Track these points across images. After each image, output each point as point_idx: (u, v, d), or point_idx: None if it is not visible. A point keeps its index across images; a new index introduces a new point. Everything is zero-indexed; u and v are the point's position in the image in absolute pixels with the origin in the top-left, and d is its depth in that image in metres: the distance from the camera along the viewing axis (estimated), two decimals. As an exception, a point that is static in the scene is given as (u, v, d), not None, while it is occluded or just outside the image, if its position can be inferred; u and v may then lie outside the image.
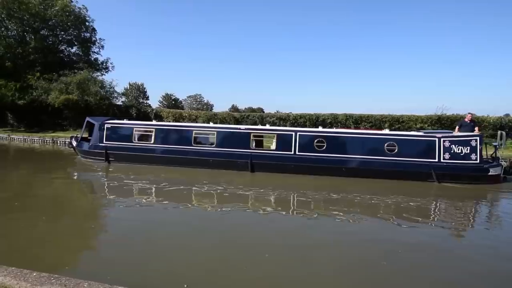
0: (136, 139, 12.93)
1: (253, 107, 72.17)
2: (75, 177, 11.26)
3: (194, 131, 12.45)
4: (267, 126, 13.11)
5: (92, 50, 32.58)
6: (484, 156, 11.70)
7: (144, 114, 27.84)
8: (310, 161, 11.33)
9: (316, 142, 11.45)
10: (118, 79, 62.52)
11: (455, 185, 10.33)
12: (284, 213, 7.30)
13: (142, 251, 5.04)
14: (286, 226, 6.53)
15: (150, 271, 4.44)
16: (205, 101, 76.37)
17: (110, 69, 33.46)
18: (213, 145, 12.17)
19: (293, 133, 11.66)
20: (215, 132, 12.23)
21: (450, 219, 7.16)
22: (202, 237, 5.72)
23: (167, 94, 67.55)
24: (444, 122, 19.97)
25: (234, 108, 69.27)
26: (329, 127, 21.11)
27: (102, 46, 32.94)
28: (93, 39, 32.05)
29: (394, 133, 11.50)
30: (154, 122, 13.55)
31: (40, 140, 22.72)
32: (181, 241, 5.50)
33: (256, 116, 24.85)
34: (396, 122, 20.99)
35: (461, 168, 10.47)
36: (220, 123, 23.61)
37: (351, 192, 9.29)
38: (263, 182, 10.40)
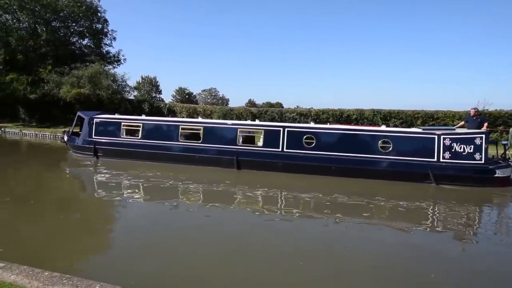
0: (124, 134, 13.44)
1: (272, 102, 72.00)
2: (66, 174, 11.71)
3: (180, 126, 12.78)
4: (256, 122, 13.26)
5: (104, 42, 33.50)
6: (496, 157, 11.25)
7: (157, 109, 28.33)
8: (298, 159, 11.35)
9: (305, 139, 11.46)
10: (130, 72, 63.91)
11: (454, 187, 10.00)
12: (260, 217, 7.28)
13: (154, 252, 5.14)
14: (269, 228, 6.56)
15: (163, 273, 4.50)
16: (220, 96, 76.91)
17: (122, 62, 34.30)
18: (200, 141, 12.44)
19: (281, 129, 11.75)
20: (202, 127, 12.50)
21: (447, 226, 6.93)
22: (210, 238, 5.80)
23: (180, 88, 68.47)
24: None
25: (251, 103, 69.32)
26: (355, 124, 20.75)
27: (114, 38, 33.82)
28: (105, 30, 32.92)
29: (389, 129, 11.33)
30: (141, 117, 13.98)
31: (51, 136, 23.59)
32: (187, 241, 5.59)
33: (275, 111, 24.74)
34: (430, 118, 20.35)
35: (463, 169, 10.09)
36: (237, 118, 23.68)
37: (327, 193, 9.19)
38: (246, 181, 10.49)
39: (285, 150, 11.56)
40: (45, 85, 26.78)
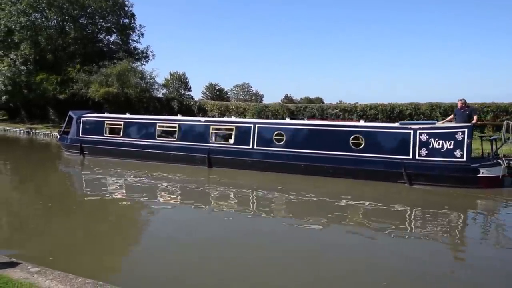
0: (107, 132, 14.85)
1: (311, 97, 71.32)
2: (55, 174, 13.32)
3: (157, 124, 13.94)
4: (232, 118, 13.96)
5: (132, 38, 35.15)
6: (491, 154, 10.81)
7: (186, 107, 29.10)
8: (267, 157, 11.90)
9: (275, 135, 11.94)
10: (158, 69, 66.40)
11: (431, 188, 9.88)
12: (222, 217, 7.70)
13: (183, 261, 5.36)
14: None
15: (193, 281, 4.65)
16: (254, 91, 77.49)
17: (151, 58, 35.73)
18: (175, 139, 13.45)
19: (252, 125, 12.41)
20: (177, 125, 13.53)
21: (418, 232, 6.96)
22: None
23: (211, 84, 69.94)
24: None
25: (288, 99, 69.11)
26: (409, 119, 20.00)
27: (142, 34, 35.33)
28: (132, 25, 34.53)
29: (362, 124, 11.51)
30: (123, 115, 15.35)
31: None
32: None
33: (315, 107, 24.47)
34: (503, 112, 19.06)
35: (441, 168, 9.93)
36: (272, 116, 23.73)
37: (289, 193, 9.52)
38: (210, 180, 11.45)
39: (255, 147, 12.11)
40: (74, 85, 28.57)
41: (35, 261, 4.54)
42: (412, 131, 10.33)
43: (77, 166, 13.90)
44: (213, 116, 25.28)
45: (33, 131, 28.80)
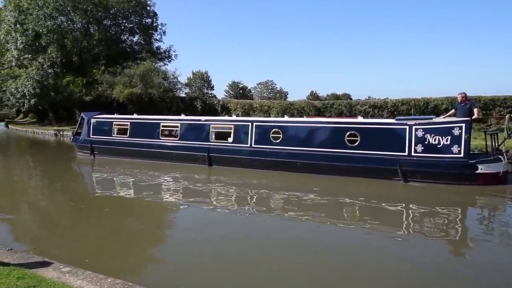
0: (115, 133, 15.57)
1: (337, 94, 70.46)
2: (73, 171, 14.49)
3: (161, 124, 14.54)
4: (233, 117, 14.54)
5: (154, 37, 35.98)
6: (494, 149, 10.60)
7: (209, 106, 29.40)
8: (264, 155, 12.15)
9: (272, 133, 12.17)
10: (180, 68, 67.59)
11: (425, 185, 9.80)
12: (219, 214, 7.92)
13: (214, 262, 5.38)
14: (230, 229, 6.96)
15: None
16: (278, 89, 77.44)
17: (173, 58, 36.44)
18: (177, 138, 14.04)
19: (250, 124, 12.70)
20: (179, 125, 14.11)
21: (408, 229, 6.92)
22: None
23: (234, 82, 70.44)
24: None
25: (314, 96, 68.60)
26: (443, 115, 19.36)
27: (164, 32, 36.09)
28: (154, 24, 35.38)
29: (358, 121, 11.57)
30: (130, 116, 16.20)
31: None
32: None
33: (343, 104, 24.12)
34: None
35: (437, 164, 9.86)
36: (298, 114, 23.58)
37: (277, 191, 9.80)
38: (211, 179, 11.79)
39: (253, 145, 12.40)
40: (99, 86, 29.58)
41: (69, 262, 4.70)
42: (407, 127, 10.27)
43: (90, 166, 14.63)
44: (237, 115, 25.44)
45: (61, 133, 29.94)
